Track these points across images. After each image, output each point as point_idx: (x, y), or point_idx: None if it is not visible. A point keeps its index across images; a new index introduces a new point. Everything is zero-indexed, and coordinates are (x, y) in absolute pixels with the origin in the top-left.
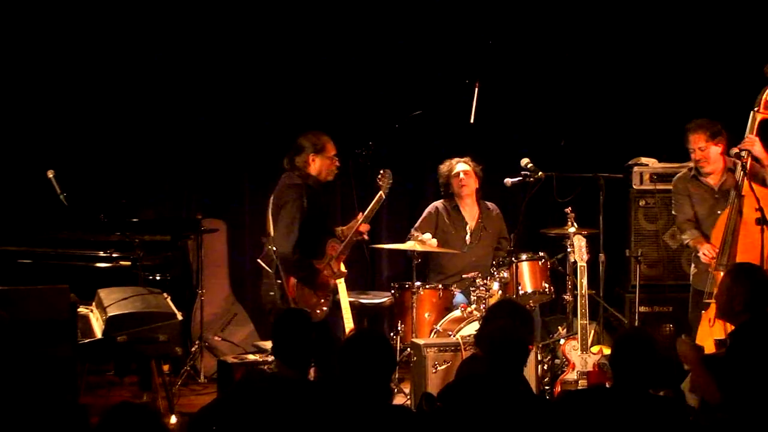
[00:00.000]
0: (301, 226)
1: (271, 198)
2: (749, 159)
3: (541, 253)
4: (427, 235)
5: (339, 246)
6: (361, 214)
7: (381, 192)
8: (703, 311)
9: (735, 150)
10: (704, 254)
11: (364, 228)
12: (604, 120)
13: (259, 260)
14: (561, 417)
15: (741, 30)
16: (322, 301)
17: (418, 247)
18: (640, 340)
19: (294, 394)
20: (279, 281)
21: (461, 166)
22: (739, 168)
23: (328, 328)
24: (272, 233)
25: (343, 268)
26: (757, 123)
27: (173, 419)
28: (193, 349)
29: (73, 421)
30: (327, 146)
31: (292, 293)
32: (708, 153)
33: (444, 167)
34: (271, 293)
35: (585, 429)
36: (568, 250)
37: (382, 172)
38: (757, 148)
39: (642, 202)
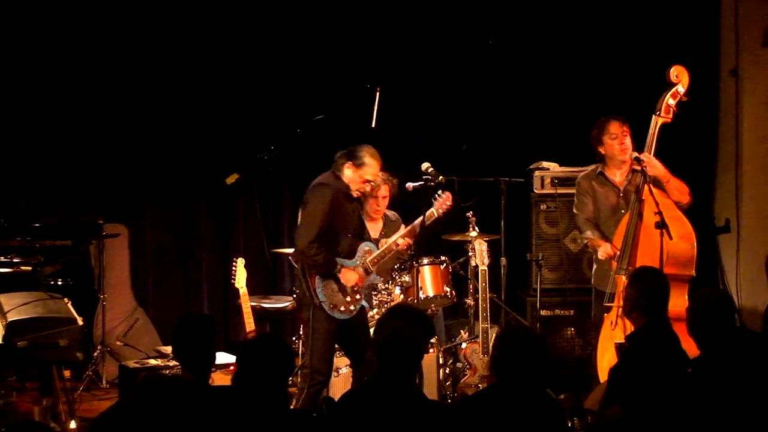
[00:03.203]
0: (324, 225)
1: None
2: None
3: (442, 258)
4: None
5: (373, 252)
6: (403, 226)
7: (432, 209)
8: (605, 314)
9: (636, 155)
10: (605, 252)
11: (403, 242)
12: (505, 124)
13: (290, 257)
14: (453, 420)
15: (641, 35)
16: (348, 299)
17: None
18: (522, 338)
19: (193, 398)
20: (305, 278)
21: (383, 190)
22: (640, 172)
23: None
24: None
25: (375, 276)
26: (658, 127)
27: (73, 424)
28: (95, 354)
29: None
30: (365, 167)
31: (313, 288)
32: (627, 141)
33: None
34: (298, 291)
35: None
36: (470, 254)
37: (440, 192)
38: (656, 167)
39: (543, 206)
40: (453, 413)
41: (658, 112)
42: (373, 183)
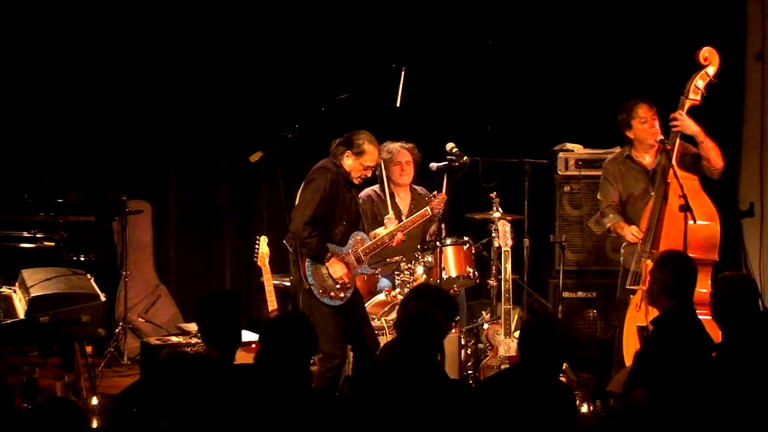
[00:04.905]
0: (321, 209)
1: None
2: (675, 145)
3: (465, 238)
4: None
5: (366, 243)
6: (396, 221)
7: (427, 208)
8: (630, 296)
9: (661, 137)
10: (633, 235)
11: (398, 238)
12: (530, 105)
13: (284, 241)
14: (473, 400)
15: (667, 17)
16: (338, 287)
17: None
18: (548, 325)
19: (216, 376)
20: (298, 261)
21: (404, 155)
22: (666, 153)
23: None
24: None
25: (366, 266)
26: (686, 109)
27: (95, 400)
28: (116, 330)
29: None
30: (365, 155)
31: (303, 272)
32: (656, 124)
33: (384, 152)
34: (292, 278)
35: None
36: (493, 234)
37: (435, 193)
38: (689, 126)
39: (567, 188)
40: (474, 393)
41: (686, 94)
42: (373, 168)
